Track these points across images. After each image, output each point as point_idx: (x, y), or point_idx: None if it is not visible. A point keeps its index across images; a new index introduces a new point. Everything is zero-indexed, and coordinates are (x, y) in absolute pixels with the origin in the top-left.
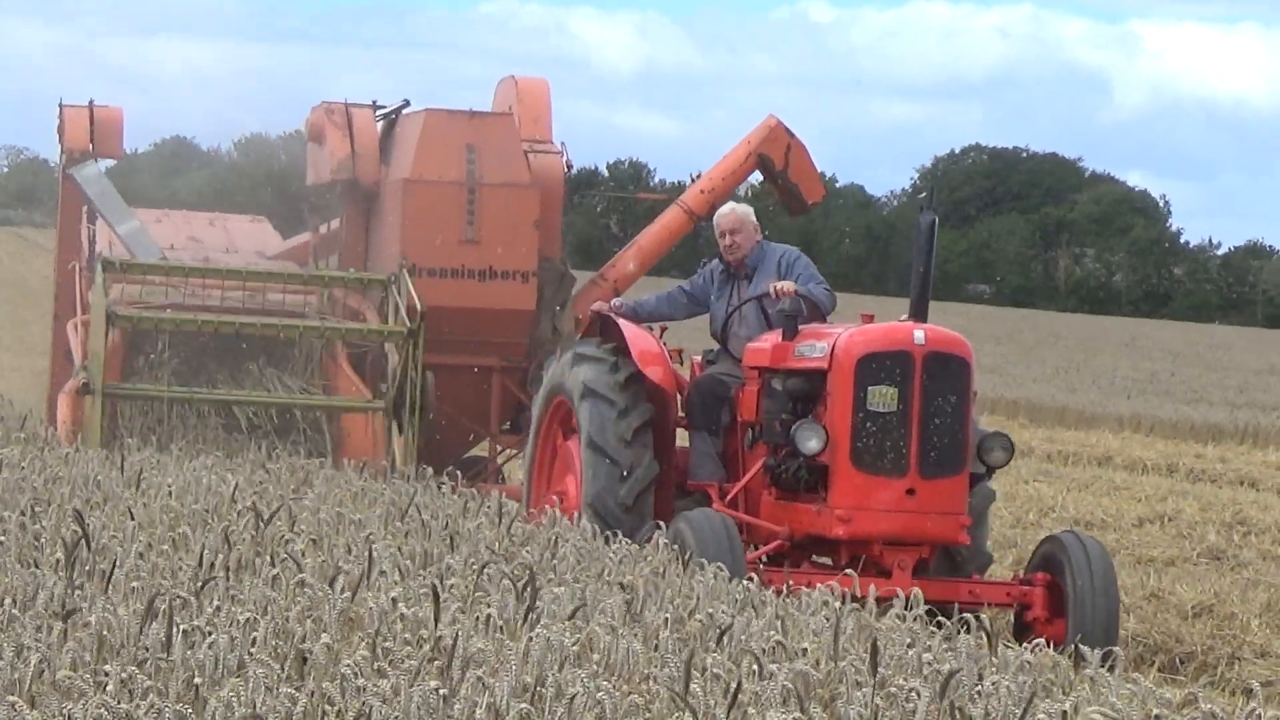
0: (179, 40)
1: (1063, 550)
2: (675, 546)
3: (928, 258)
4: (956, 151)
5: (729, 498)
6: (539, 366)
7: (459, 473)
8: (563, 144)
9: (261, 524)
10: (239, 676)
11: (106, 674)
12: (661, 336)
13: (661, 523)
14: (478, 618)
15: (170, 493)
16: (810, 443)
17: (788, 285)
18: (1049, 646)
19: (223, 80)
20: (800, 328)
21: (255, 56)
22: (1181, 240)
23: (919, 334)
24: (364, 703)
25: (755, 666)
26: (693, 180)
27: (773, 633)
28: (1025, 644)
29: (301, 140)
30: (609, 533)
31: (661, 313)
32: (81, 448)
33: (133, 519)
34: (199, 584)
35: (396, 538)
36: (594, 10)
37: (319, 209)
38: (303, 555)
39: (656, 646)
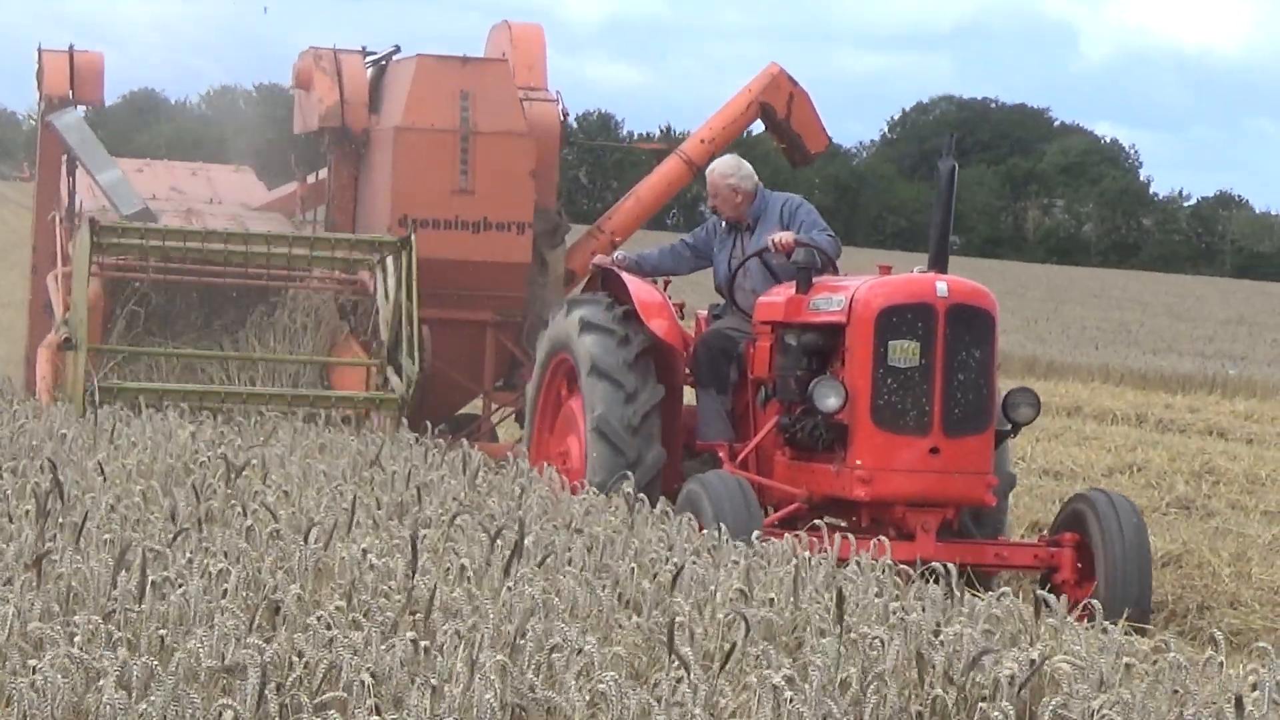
0: None
1: (1091, 509)
2: (688, 510)
3: (947, 206)
4: (925, 102)
5: (740, 458)
6: (535, 320)
7: (453, 431)
8: (558, 92)
9: (232, 476)
10: (207, 627)
11: (76, 625)
12: (665, 290)
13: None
14: (448, 569)
15: (138, 444)
16: (829, 400)
17: (787, 237)
18: (1079, 609)
19: (189, 32)
20: (814, 280)
21: (221, 7)
22: (1151, 191)
23: (941, 286)
24: (336, 654)
25: (732, 617)
26: (663, 132)
27: (735, 581)
28: (992, 593)
29: (270, 92)
30: (618, 459)
31: (665, 266)
32: (61, 404)
33: (102, 473)
34: (170, 536)
35: (364, 488)
36: None
37: (306, 158)
38: (276, 506)
39: (627, 601)
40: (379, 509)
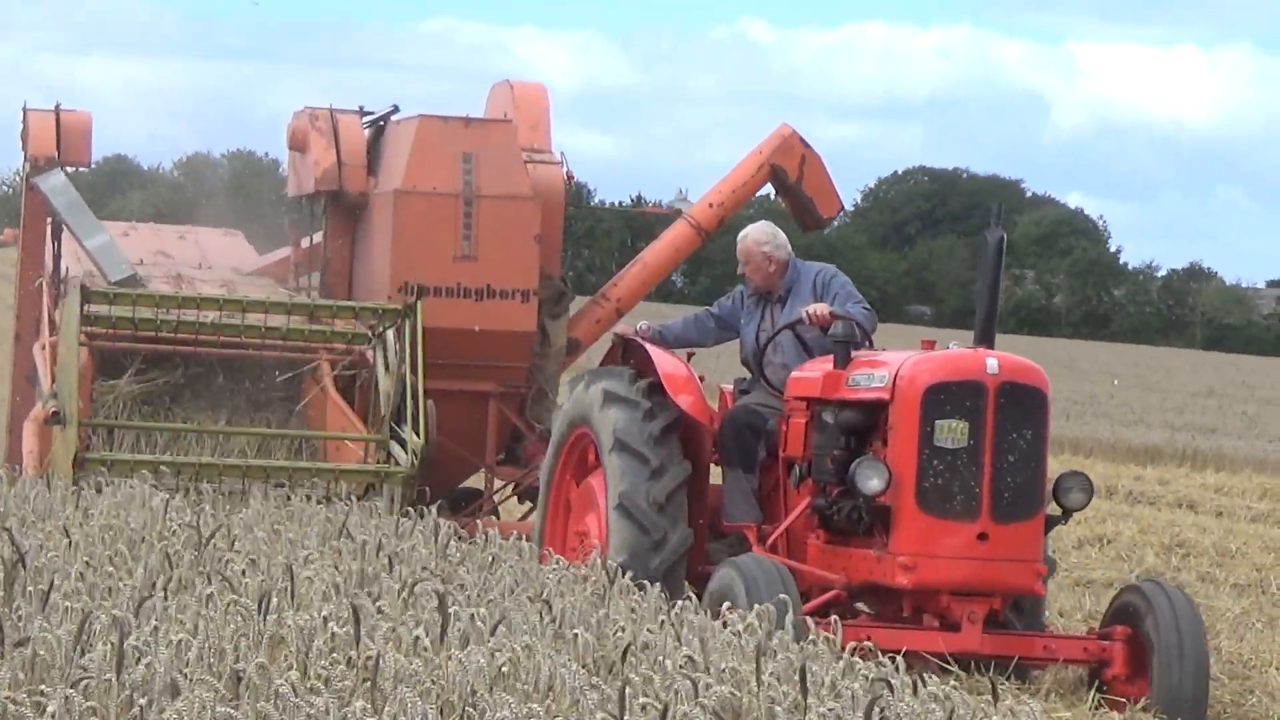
0: (116, 58)
1: (1144, 601)
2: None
3: (995, 277)
4: (898, 173)
5: (769, 541)
6: (538, 392)
7: (452, 506)
8: (562, 153)
9: (201, 543)
10: (179, 698)
11: (44, 694)
12: (689, 363)
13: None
14: (402, 638)
15: (108, 511)
16: (871, 482)
17: (822, 309)
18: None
19: (162, 98)
20: (852, 354)
21: (194, 74)
22: (1121, 262)
23: (992, 362)
24: None
25: (682, 687)
26: (634, 201)
27: (689, 651)
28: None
29: (244, 159)
30: (642, 538)
31: (689, 338)
32: (52, 479)
33: (68, 537)
34: (136, 604)
35: (332, 556)
36: (535, 30)
37: (300, 222)
38: (242, 575)
39: (584, 667)
40: (340, 578)
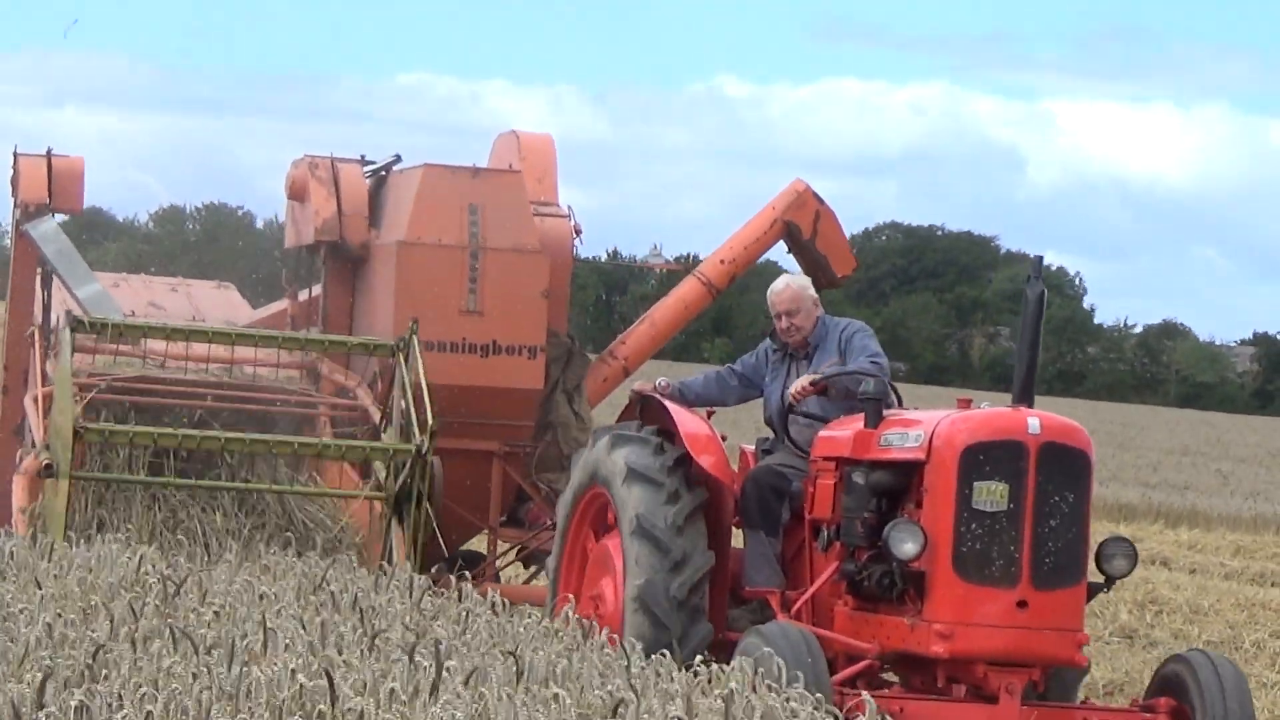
0: (90, 110)
1: (1191, 672)
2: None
3: (1035, 333)
4: (871, 229)
5: (794, 608)
6: (543, 451)
7: (453, 572)
8: (569, 206)
9: (170, 596)
10: None
11: None
12: (709, 420)
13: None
14: (378, 692)
15: (80, 564)
16: (906, 546)
17: (802, 384)
18: None
19: (136, 151)
20: (885, 413)
21: (168, 127)
22: (1095, 319)
23: (1034, 422)
24: None
25: None
26: (609, 255)
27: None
28: None
29: (217, 212)
30: (660, 634)
31: (710, 396)
32: (42, 536)
33: (40, 588)
34: (96, 658)
35: (308, 611)
36: (507, 83)
37: (297, 275)
38: (209, 628)
39: None
40: (313, 633)
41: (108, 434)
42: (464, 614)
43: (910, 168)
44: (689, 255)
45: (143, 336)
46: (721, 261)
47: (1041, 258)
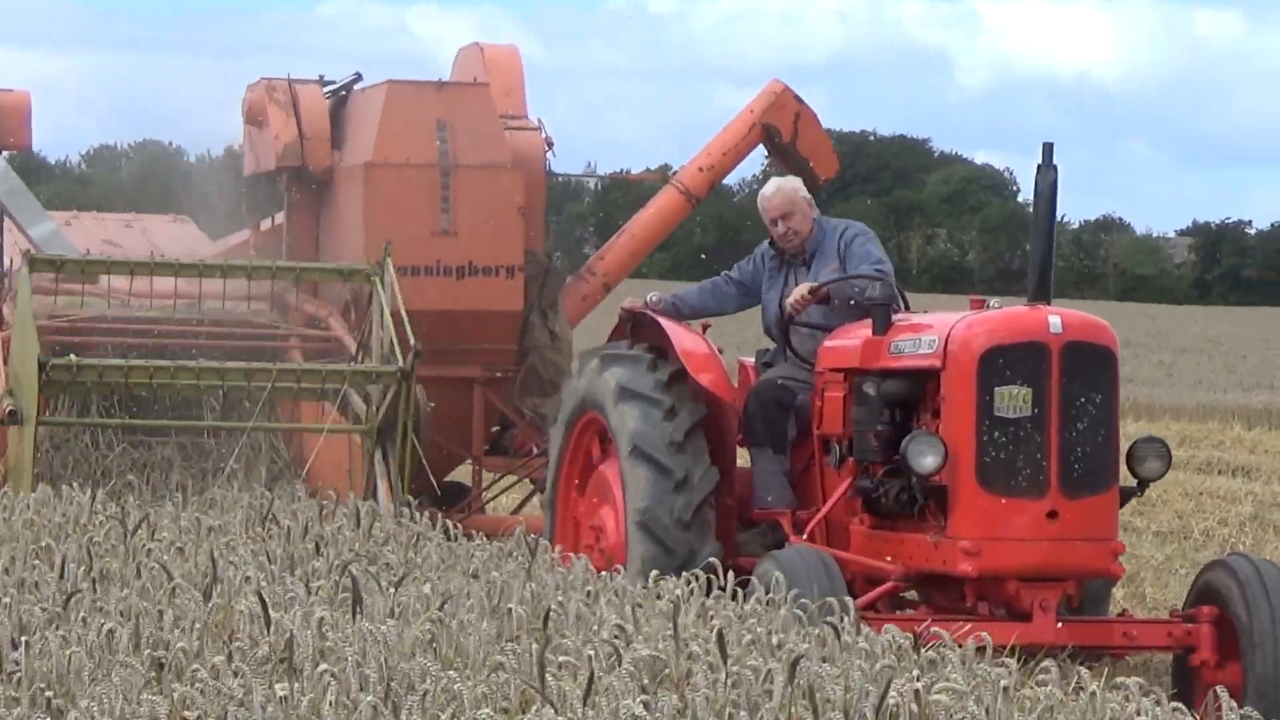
0: (14, 51)
1: (1232, 577)
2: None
3: (1049, 224)
4: None
5: (807, 529)
6: (525, 376)
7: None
8: (539, 119)
9: (127, 534)
10: (101, 683)
11: None
12: (705, 334)
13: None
14: (321, 617)
15: (30, 506)
16: (925, 459)
17: (801, 292)
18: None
19: (63, 92)
20: (893, 319)
21: (95, 66)
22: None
23: (1055, 320)
24: (223, 706)
25: (605, 652)
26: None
27: (619, 620)
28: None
29: (151, 148)
30: (666, 558)
31: (707, 306)
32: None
33: None
34: (64, 597)
35: (257, 543)
36: (434, 8)
37: (258, 203)
38: (168, 563)
39: (514, 638)
40: (271, 563)
41: (76, 369)
42: (414, 537)
43: (838, 75)
44: (624, 170)
45: (105, 272)
46: (700, 169)
47: (1051, 145)
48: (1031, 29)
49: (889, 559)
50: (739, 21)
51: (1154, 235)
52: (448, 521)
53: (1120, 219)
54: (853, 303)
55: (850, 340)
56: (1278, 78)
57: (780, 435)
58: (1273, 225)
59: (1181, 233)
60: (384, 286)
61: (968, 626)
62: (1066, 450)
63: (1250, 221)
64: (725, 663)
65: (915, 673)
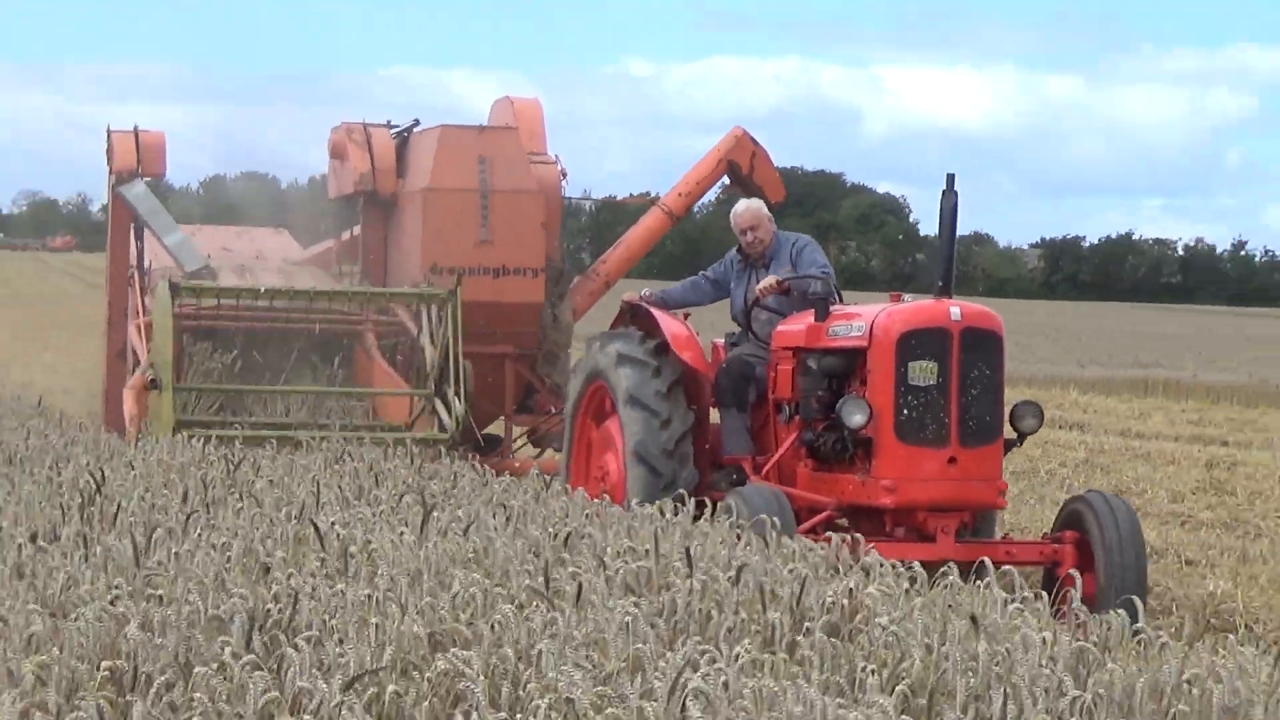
0: (151, 105)
1: (1089, 509)
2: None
3: (951, 236)
4: None
5: (764, 470)
6: (548, 353)
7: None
8: (556, 156)
9: (231, 470)
10: (217, 583)
11: (117, 587)
12: (686, 321)
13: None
14: (392, 535)
15: (164, 448)
16: (855, 417)
17: (769, 282)
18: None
19: (183, 134)
20: (831, 309)
21: (207, 115)
22: (921, 232)
23: (955, 310)
24: (300, 600)
25: (599, 565)
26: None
27: (624, 539)
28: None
29: (250, 179)
30: (655, 480)
31: (688, 299)
32: (150, 436)
33: (133, 469)
34: (185, 517)
35: (335, 477)
36: (467, 71)
37: (341, 219)
38: (263, 494)
39: (535, 553)
40: (346, 492)
41: (199, 294)
42: (454, 474)
43: (776, 124)
44: (614, 196)
45: (235, 299)
46: (679, 194)
47: (953, 175)
48: (922, 90)
49: (827, 495)
50: (701, 83)
51: (1012, 247)
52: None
53: (987, 235)
54: (805, 294)
55: (798, 325)
56: (1108, 129)
57: (743, 398)
58: (1100, 240)
59: (1032, 246)
60: (449, 314)
61: (888, 545)
62: (963, 411)
63: (1085, 237)
64: (692, 571)
65: (851, 578)
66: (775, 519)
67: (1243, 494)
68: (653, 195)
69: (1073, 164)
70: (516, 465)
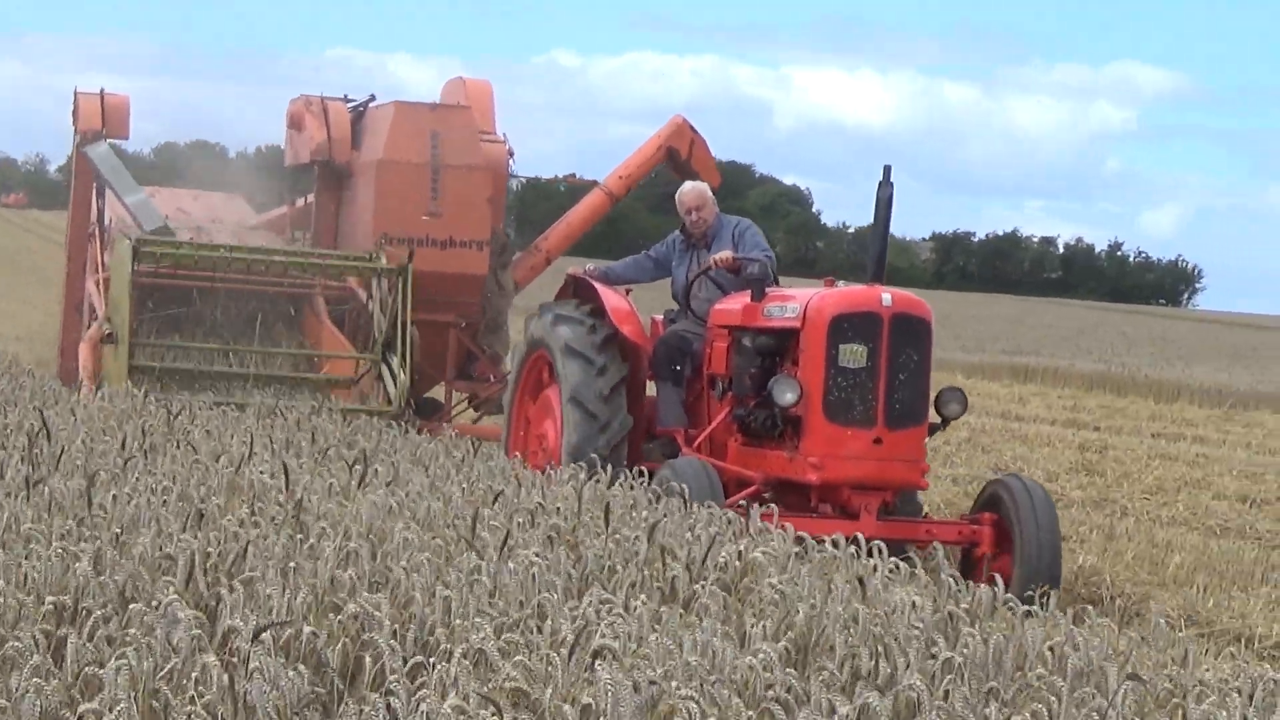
0: (109, 78)
1: (1007, 492)
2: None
3: (885, 225)
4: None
5: (696, 443)
6: (490, 323)
7: (417, 413)
8: (504, 134)
9: (171, 419)
10: (149, 528)
11: (67, 531)
12: (628, 296)
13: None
14: (321, 486)
15: (105, 397)
16: (786, 396)
17: (727, 255)
18: (997, 581)
19: (138, 105)
20: (767, 291)
21: (166, 89)
22: (823, 221)
23: (886, 297)
24: (242, 546)
25: (521, 520)
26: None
27: (537, 498)
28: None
29: (200, 147)
30: (591, 422)
31: (629, 277)
32: (105, 387)
33: (75, 416)
34: (123, 461)
35: (267, 430)
36: (408, 56)
37: (295, 186)
38: (200, 442)
39: (457, 511)
40: (274, 445)
41: (159, 255)
42: (379, 430)
43: (692, 116)
44: (539, 177)
45: (194, 261)
46: (620, 177)
47: (889, 167)
48: (828, 90)
49: (755, 469)
50: (624, 75)
51: (907, 239)
52: (424, 428)
53: None
54: (747, 273)
55: (735, 305)
56: (998, 134)
57: (678, 373)
58: (989, 236)
59: (925, 239)
60: (400, 288)
61: (812, 520)
62: (890, 393)
63: (974, 233)
64: (607, 527)
65: (741, 542)
66: (703, 491)
67: (1111, 475)
68: (577, 176)
69: (965, 165)
70: (457, 428)
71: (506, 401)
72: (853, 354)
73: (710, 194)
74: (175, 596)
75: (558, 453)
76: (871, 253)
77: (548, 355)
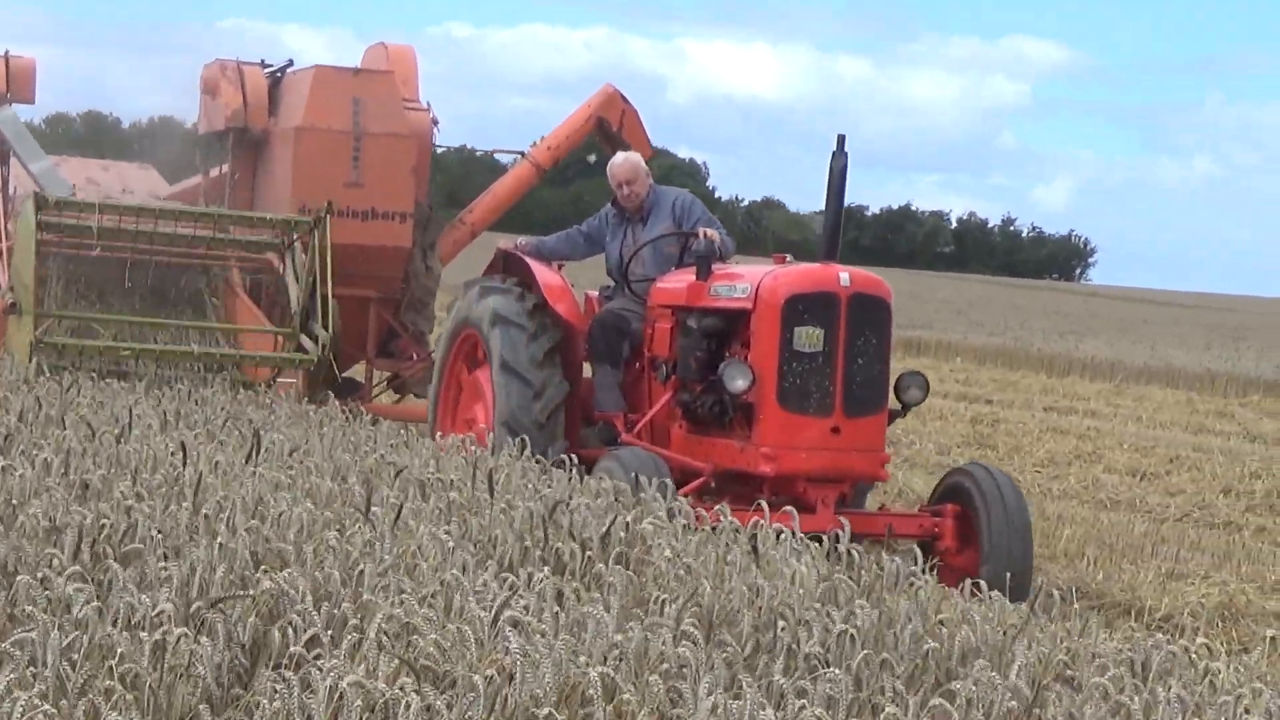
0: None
1: (971, 481)
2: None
3: (839, 199)
4: None
5: (636, 429)
6: (412, 299)
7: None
8: (428, 103)
9: (62, 392)
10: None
11: None
12: (560, 271)
13: (571, 454)
14: (215, 461)
15: None
16: (737, 382)
17: (713, 233)
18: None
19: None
20: (713, 268)
21: (55, 57)
22: (716, 195)
23: (844, 276)
24: (132, 519)
25: (416, 493)
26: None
27: (432, 469)
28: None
29: (96, 116)
30: (526, 388)
31: (561, 252)
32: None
33: None
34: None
35: (157, 402)
36: (300, 27)
37: (209, 155)
38: (90, 415)
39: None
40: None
41: (63, 219)
42: (270, 402)
43: (585, 89)
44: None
45: (98, 215)
46: (548, 148)
47: (843, 136)
48: (722, 63)
49: (703, 459)
50: (517, 46)
51: (801, 213)
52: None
53: (778, 200)
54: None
55: (678, 283)
56: (892, 108)
57: (616, 354)
58: (881, 210)
59: (818, 212)
60: (314, 244)
61: (770, 515)
62: (849, 379)
63: (868, 207)
64: (492, 498)
65: (629, 513)
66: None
67: (1003, 448)
68: (468, 147)
69: (859, 138)
70: (377, 409)
71: (433, 386)
72: (809, 337)
73: (644, 166)
74: (67, 570)
75: (486, 439)
76: (826, 227)
77: (476, 333)
